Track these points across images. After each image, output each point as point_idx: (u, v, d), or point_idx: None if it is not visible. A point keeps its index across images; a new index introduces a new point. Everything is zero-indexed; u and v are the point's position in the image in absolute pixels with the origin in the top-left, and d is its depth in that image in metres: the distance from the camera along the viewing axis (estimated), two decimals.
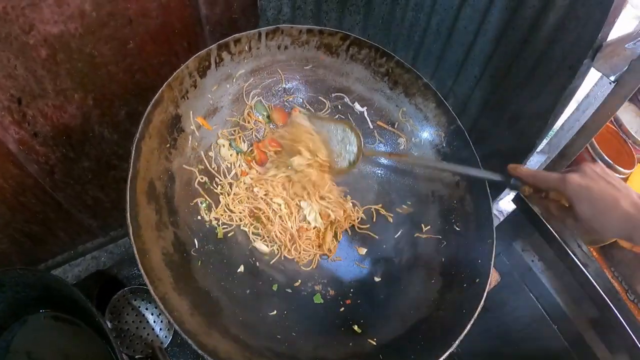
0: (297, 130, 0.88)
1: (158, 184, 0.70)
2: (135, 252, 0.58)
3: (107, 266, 1.22)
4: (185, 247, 0.72)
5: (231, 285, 0.75)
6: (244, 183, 0.86)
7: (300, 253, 0.86)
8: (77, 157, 0.94)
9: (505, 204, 1.28)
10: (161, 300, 0.57)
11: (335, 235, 0.91)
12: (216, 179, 0.83)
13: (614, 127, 1.09)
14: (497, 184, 0.77)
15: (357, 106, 0.96)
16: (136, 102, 0.92)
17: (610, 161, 0.98)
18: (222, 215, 0.82)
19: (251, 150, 0.89)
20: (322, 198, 0.90)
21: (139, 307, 1.12)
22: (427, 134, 0.94)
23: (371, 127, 0.98)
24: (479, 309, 0.70)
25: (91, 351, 0.94)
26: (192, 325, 0.60)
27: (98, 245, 1.21)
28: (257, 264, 0.82)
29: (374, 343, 0.74)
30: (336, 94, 0.95)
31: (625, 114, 1.12)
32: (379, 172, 0.97)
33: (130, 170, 0.62)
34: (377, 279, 0.86)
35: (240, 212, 0.84)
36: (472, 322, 0.69)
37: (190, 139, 0.78)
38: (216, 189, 0.83)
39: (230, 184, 0.85)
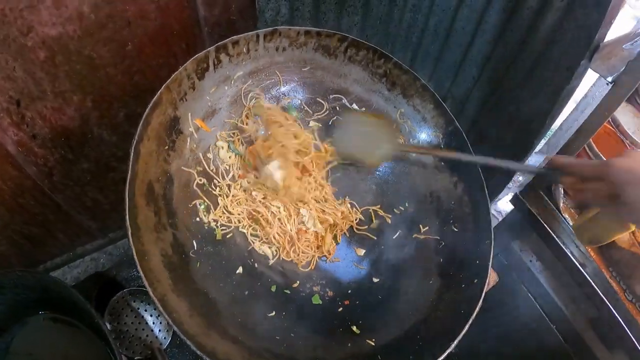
0: (272, 129, 0.85)
1: (157, 186, 0.70)
2: (134, 253, 0.58)
3: (106, 268, 1.22)
4: (184, 249, 0.72)
5: (230, 287, 0.76)
6: (241, 186, 0.86)
7: (299, 255, 0.86)
8: (76, 158, 0.94)
9: (503, 204, 1.28)
10: (160, 301, 0.58)
11: (334, 238, 0.91)
12: (215, 180, 0.83)
13: (611, 128, 1.09)
14: (542, 176, 0.75)
15: (355, 107, 0.97)
16: (135, 104, 0.92)
17: None
18: (220, 216, 0.82)
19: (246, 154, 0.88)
20: (317, 201, 0.90)
21: (138, 308, 1.12)
22: (425, 135, 0.94)
23: None
24: (477, 309, 0.70)
25: (90, 353, 0.94)
26: (191, 327, 0.60)
27: (97, 247, 1.21)
28: (256, 265, 0.82)
29: (373, 344, 0.74)
30: (334, 95, 0.95)
31: (623, 114, 1.12)
32: (377, 173, 0.97)
33: (129, 172, 0.62)
34: (375, 280, 0.86)
35: (239, 214, 0.84)
36: (470, 322, 0.69)
37: (188, 140, 0.79)
38: (215, 190, 0.83)
39: (229, 186, 0.85)
